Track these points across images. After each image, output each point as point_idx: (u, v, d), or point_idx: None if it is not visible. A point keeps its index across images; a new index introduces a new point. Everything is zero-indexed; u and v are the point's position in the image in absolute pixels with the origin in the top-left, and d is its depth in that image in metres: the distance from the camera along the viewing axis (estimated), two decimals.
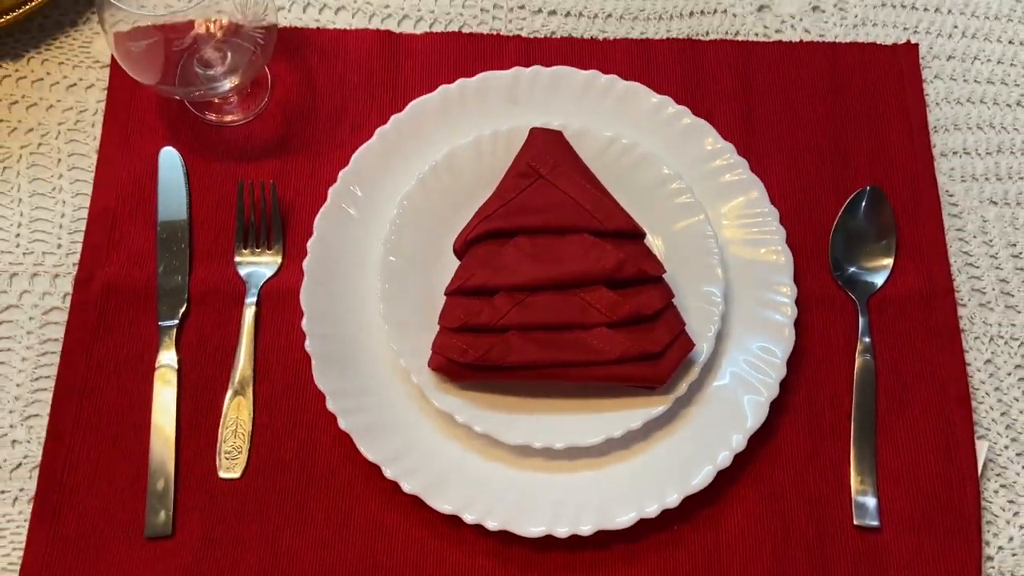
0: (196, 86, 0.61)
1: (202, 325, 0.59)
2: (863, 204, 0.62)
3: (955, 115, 0.66)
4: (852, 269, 0.61)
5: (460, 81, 0.64)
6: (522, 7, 0.69)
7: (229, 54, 0.60)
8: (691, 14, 0.69)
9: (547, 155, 0.59)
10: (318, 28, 0.67)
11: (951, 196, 0.64)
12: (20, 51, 0.66)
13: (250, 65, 0.60)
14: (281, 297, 0.60)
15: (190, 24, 0.57)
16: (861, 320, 0.60)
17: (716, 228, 0.60)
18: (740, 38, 0.68)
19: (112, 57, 0.65)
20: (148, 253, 0.60)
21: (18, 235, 0.61)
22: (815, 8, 0.69)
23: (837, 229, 0.62)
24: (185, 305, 0.59)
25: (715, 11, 0.69)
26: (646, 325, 0.55)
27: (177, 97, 0.63)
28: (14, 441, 0.56)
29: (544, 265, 0.55)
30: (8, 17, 0.63)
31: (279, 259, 0.61)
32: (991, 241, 0.63)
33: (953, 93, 0.67)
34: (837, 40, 0.68)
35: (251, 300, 0.59)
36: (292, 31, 0.66)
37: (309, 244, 0.59)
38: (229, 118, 0.64)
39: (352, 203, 0.61)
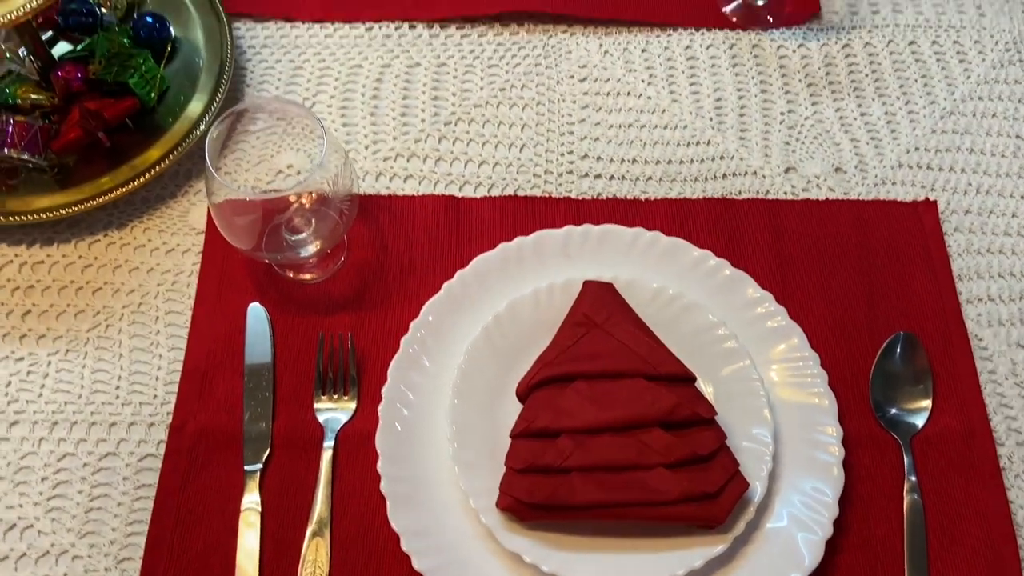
0: (282, 251, 0.68)
1: (284, 468, 0.63)
2: (898, 349, 0.67)
3: (977, 265, 0.71)
4: (893, 411, 0.65)
5: (518, 239, 0.70)
6: (570, 172, 0.77)
7: (314, 221, 0.67)
8: (724, 176, 0.76)
9: (601, 305, 0.65)
10: (390, 195, 0.75)
11: (980, 340, 0.69)
12: (125, 221, 0.74)
13: (333, 232, 0.67)
14: (357, 441, 0.64)
15: (286, 198, 0.65)
16: (906, 459, 0.63)
17: (761, 372, 0.64)
18: (770, 197, 0.75)
19: (207, 224, 0.73)
20: (235, 401, 0.65)
21: (118, 387, 0.66)
22: (837, 169, 0.76)
23: (876, 373, 0.66)
24: (268, 450, 0.64)
25: (746, 173, 0.76)
26: (702, 466, 0.58)
27: (266, 261, 0.70)
28: None
29: (603, 408, 0.60)
30: (116, 193, 0.71)
31: (355, 405, 0.66)
32: (1022, 383, 0.67)
33: (973, 244, 0.72)
34: (860, 198, 0.75)
35: (329, 444, 0.64)
36: (367, 198, 0.74)
37: (383, 390, 0.64)
38: (309, 276, 0.71)
39: (422, 351, 0.66)
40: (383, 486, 0.60)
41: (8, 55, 0.75)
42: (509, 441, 0.61)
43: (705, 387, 0.65)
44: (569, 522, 0.59)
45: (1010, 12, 0.84)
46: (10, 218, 0.70)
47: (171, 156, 0.73)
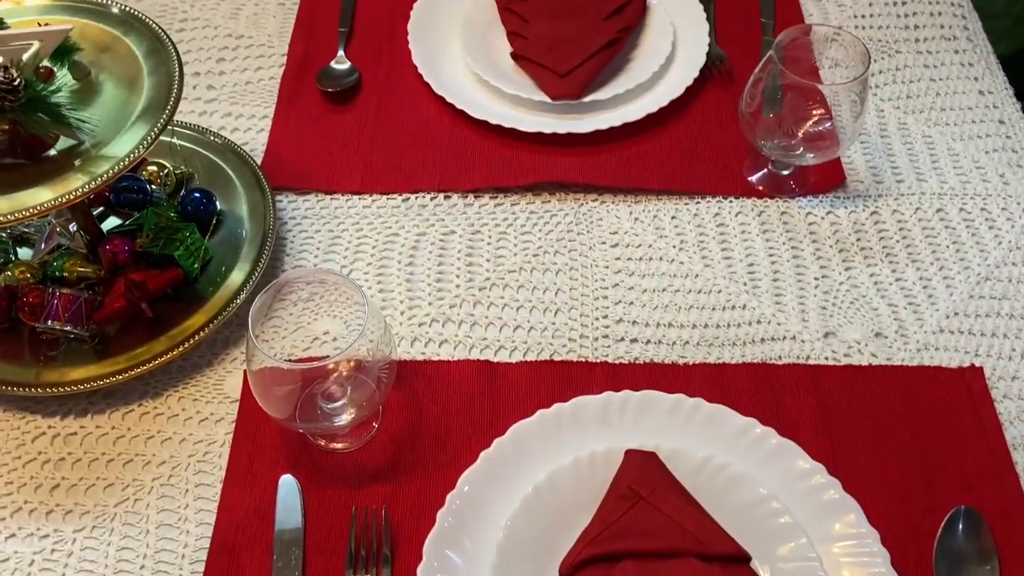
0: (317, 421, 0.67)
1: None
2: (960, 525, 0.63)
3: None
4: None
5: (556, 406, 0.69)
6: (606, 336, 0.76)
7: (351, 389, 0.67)
8: (762, 340, 0.75)
9: (645, 477, 0.62)
10: (425, 360, 0.75)
11: None
12: (160, 390, 0.73)
13: (370, 400, 0.66)
14: None
15: (324, 366, 0.65)
16: None
17: (819, 550, 0.61)
18: (811, 362, 0.74)
19: (242, 393, 0.72)
20: None
21: (143, 567, 0.64)
22: (878, 335, 0.76)
23: (939, 552, 0.62)
24: None
25: (784, 338, 0.76)
26: None
27: (299, 430, 0.69)
28: None
29: None
30: (154, 363, 0.72)
31: None
32: None
33: None
34: (904, 363, 0.73)
35: None
36: (402, 364, 0.74)
37: (419, 570, 0.61)
38: (343, 445, 0.69)
39: (459, 526, 0.63)
40: None
41: (59, 229, 0.78)
42: None
43: (760, 568, 0.61)
44: None
45: None
46: (46, 390, 0.70)
47: (210, 326, 0.74)
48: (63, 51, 0.65)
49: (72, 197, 0.63)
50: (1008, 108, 0.92)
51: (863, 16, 1.01)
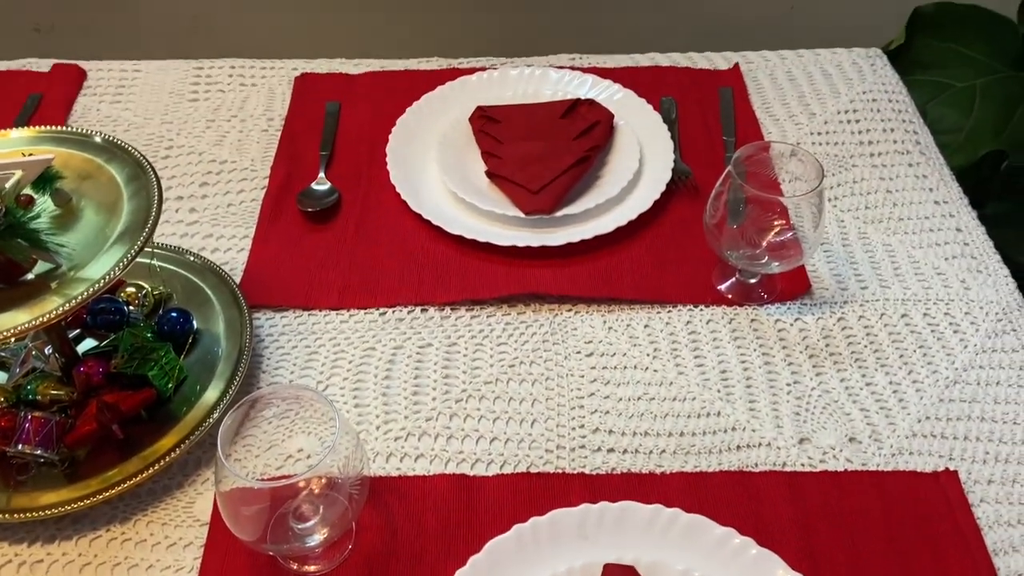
0: (288, 542, 0.65)
1: None
2: None
3: (1011, 537, 0.68)
4: None
5: (532, 519, 0.68)
6: (583, 447, 0.76)
7: (323, 508, 0.66)
8: (738, 447, 0.75)
9: None
10: (400, 476, 0.74)
11: None
12: (129, 514, 0.72)
13: (342, 518, 0.65)
14: None
15: (295, 485, 0.64)
16: None
17: None
18: (788, 468, 0.74)
19: (212, 515, 0.71)
20: None
21: None
22: (852, 440, 0.76)
23: None
24: None
25: (760, 444, 0.76)
26: None
27: (270, 553, 0.67)
28: None
29: None
30: (124, 486, 0.71)
31: None
32: None
33: (1003, 516, 0.70)
34: (879, 468, 0.73)
35: None
36: (377, 480, 0.73)
37: None
38: (315, 567, 0.68)
39: None
40: None
41: (35, 353, 0.78)
42: None
43: None
44: None
45: (994, 284, 0.88)
46: (15, 515, 0.69)
47: (181, 446, 0.73)
48: (46, 179, 0.67)
49: (48, 319, 0.63)
50: (964, 216, 0.95)
51: (819, 133, 1.06)
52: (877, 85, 1.12)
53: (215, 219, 0.97)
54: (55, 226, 0.67)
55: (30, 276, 0.66)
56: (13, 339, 0.63)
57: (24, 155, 0.66)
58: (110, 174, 0.72)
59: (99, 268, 0.66)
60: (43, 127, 0.75)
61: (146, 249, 0.77)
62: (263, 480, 0.70)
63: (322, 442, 0.74)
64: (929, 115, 1.31)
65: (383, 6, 1.69)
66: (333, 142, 1.06)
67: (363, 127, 1.07)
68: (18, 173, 0.63)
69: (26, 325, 0.63)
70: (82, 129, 0.74)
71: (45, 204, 0.67)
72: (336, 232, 0.95)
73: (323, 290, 0.89)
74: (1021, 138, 1.30)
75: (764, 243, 0.84)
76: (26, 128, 0.73)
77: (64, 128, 0.74)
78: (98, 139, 0.73)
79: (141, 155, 0.73)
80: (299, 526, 0.66)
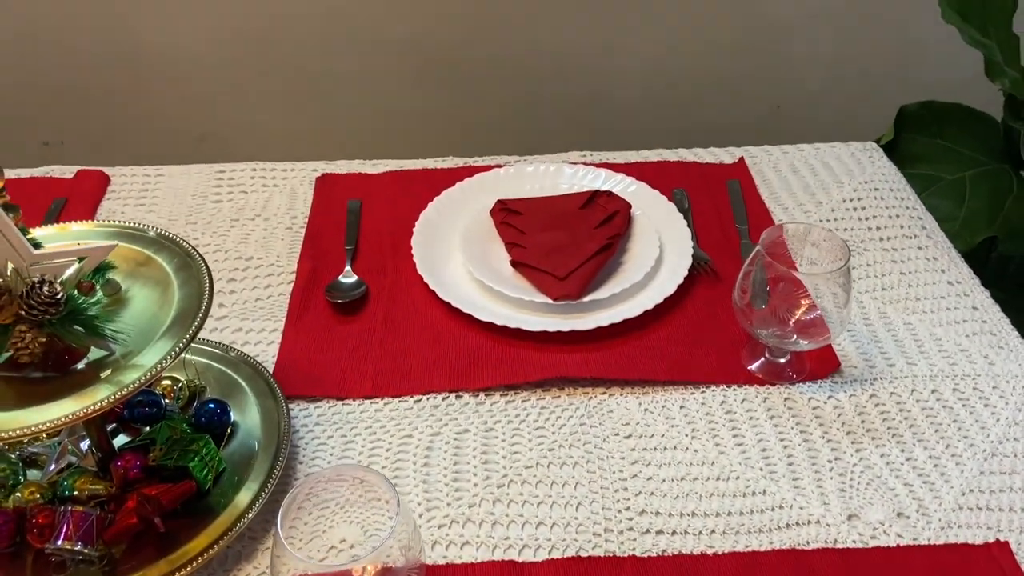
0: None
1: None
2: None
3: None
4: None
5: None
6: (631, 529, 0.75)
7: None
8: (788, 525, 0.75)
9: None
10: (447, 564, 0.72)
11: None
12: None
13: None
14: None
15: (349, 572, 0.62)
16: None
17: None
18: (839, 545, 0.73)
19: None
20: None
21: None
22: (900, 515, 0.76)
23: None
24: None
25: (808, 522, 0.75)
26: None
27: None
28: None
29: None
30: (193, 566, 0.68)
31: None
32: None
33: None
34: (930, 542, 0.73)
35: None
36: (428, 568, 0.71)
37: None
38: None
39: None
40: None
41: (70, 448, 0.77)
42: None
43: None
44: None
45: (1017, 359, 0.90)
46: None
47: (222, 540, 0.71)
48: (99, 269, 0.68)
49: (100, 406, 0.63)
50: (978, 295, 0.98)
51: (828, 220, 1.10)
52: (877, 175, 1.18)
53: (243, 313, 0.98)
54: (108, 314, 0.67)
55: (80, 365, 0.66)
56: (55, 431, 0.62)
57: (79, 245, 0.67)
58: (160, 264, 0.73)
59: (151, 356, 0.66)
60: (96, 221, 0.76)
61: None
62: (322, 563, 0.68)
63: (365, 531, 0.73)
64: (924, 205, 1.36)
65: (395, 112, 1.76)
66: (357, 237, 1.08)
67: (385, 222, 1.10)
68: (78, 261, 0.63)
69: (78, 413, 0.62)
70: (133, 223, 0.75)
71: (97, 293, 0.68)
72: (365, 323, 0.96)
73: (356, 379, 0.89)
74: (1014, 224, 1.35)
75: (792, 322, 0.86)
76: (82, 222, 0.74)
77: (116, 222, 0.75)
78: (151, 233, 0.75)
79: (191, 246, 0.74)
80: None
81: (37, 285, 0.61)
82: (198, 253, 0.74)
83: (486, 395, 0.87)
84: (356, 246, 1.06)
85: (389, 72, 1.66)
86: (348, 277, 1.01)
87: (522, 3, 1.61)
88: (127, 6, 1.60)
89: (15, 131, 1.81)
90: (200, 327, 0.68)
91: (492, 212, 1.07)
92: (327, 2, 1.58)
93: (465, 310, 0.94)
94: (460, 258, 1.01)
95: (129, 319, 0.68)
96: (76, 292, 0.64)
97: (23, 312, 0.61)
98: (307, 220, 1.11)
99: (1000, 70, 1.19)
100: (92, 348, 0.65)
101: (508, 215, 1.05)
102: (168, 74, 1.72)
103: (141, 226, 0.75)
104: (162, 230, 0.76)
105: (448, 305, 0.95)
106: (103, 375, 0.65)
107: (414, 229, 1.05)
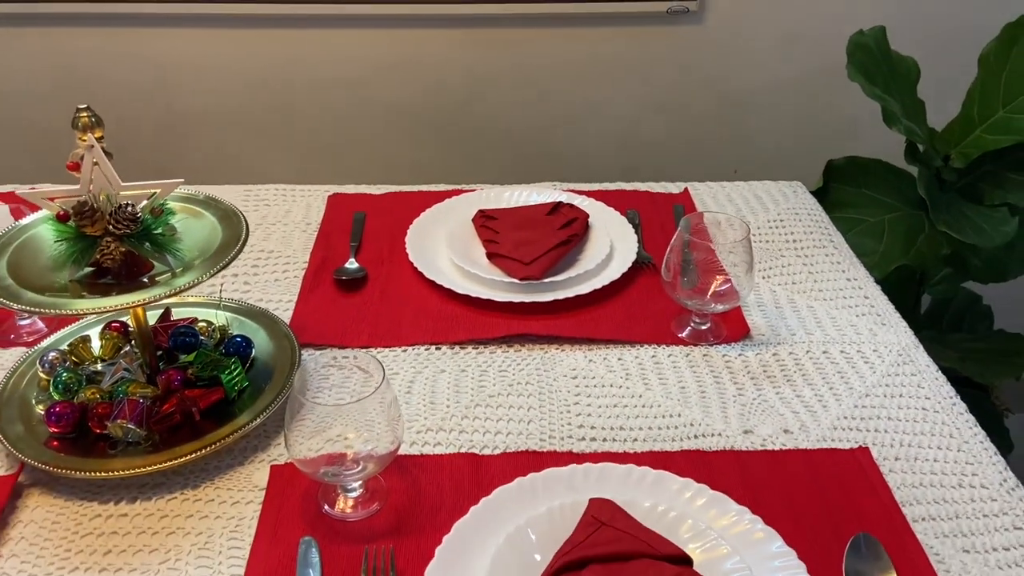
0: (339, 471, 0.81)
1: None
2: (862, 545, 0.78)
3: (914, 495, 0.86)
4: None
5: (531, 475, 0.84)
6: (571, 436, 0.93)
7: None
8: (695, 436, 0.93)
9: (606, 510, 0.77)
10: (421, 455, 0.90)
11: (931, 548, 0.80)
12: (198, 483, 0.87)
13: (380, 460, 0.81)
14: None
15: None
16: None
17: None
18: (735, 448, 0.92)
19: (268, 482, 0.86)
20: None
21: None
22: (786, 431, 0.94)
23: (848, 561, 0.76)
24: None
25: (712, 435, 0.94)
26: None
27: (325, 480, 0.82)
28: None
29: None
30: (195, 455, 0.87)
31: None
32: None
33: (907, 480, 0.88)
34: (808, 448, 0.91)
35: None
36: (402, 457, 0.89)
37: None
38: (353, 515, 0.83)
39: (454, 559, 0.76)
40: None
41: (124, 366, 0.96)
42: None
43: None
44: None
45: (895, 332, 1.10)
46: (103, 473, 0.84)
47: (241, 429, 0.90)
48: (162, 213, 0.89)
49: (159, 297, 0.82)
50: (870, 288, 1.19)
51: (754, 234, 1.32)
52: (799, 204, 1.41)
53: (264, 289, 1.18)
54: (170, 240, 0.88)
55: (144, 279, 0.87)
56: (123, 311, 0.81)
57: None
58: (207, 216, 0.94)
59: (199, 271, 0.86)
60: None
61: (214, 299, 0.98)
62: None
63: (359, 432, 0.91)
64: (848, 242, 1.58)
65: (395, 163, 2.00)
66: (361, 237, 1.29)
67: (384, 229, 1.32)
68: (153, 192, 0.85)
69: (143, 299, 0.82)
70: (188, 191, 0.97)
71: (165, 218, 0.89)
72: (365, 297, 1.17)
73: (355, 334, 1.09)
74: (923, 257, 1.57)
75: (709, 293, 1.06)
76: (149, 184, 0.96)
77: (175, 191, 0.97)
78: (201, 196, 0.97)
79: (232, 206, 0.96)
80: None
81: (122, 207, 0.83)
82: (236, 209, 0.95)
83: (460, 347, 1.07)
84: (360, 243, 1.28)
85: (390, 129, 1.92)
86: (352, 264, 1.23)
87: (508, 73, 1.87)
88: (169, 75, 1.86)
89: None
90: (238, 253, 0.88)
91: (474, 219, 1.29)
92: (339, 72, 1.85)
93: (447, 286, 1.15)
94: (445, 252, 1.23)
95: (183, 248, 0.89)
96: (149, 215, 0.85)
97: (110, 227, 0.82)
98: (319, 226, 1.33)
99: (896, 119, 1.43)
100: (156, 265, 0.86)
101: (487, 220, 1.28)
102: (203, 129, 1.97)
103: (194, 193, 0.97)
104: (209, 195, 0.98)
105: (432, 283, 1.16)
106: (160, 279, 0.85)
107: (408, 229, 1.27)
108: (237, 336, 1.01)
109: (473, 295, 1.13)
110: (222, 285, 1.17)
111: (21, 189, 0.90)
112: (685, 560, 0.73)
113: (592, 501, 0.79)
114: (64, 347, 0.97)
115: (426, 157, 1.96)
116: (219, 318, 1.06)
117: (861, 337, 1.10)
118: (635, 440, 0.93)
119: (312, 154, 1.96)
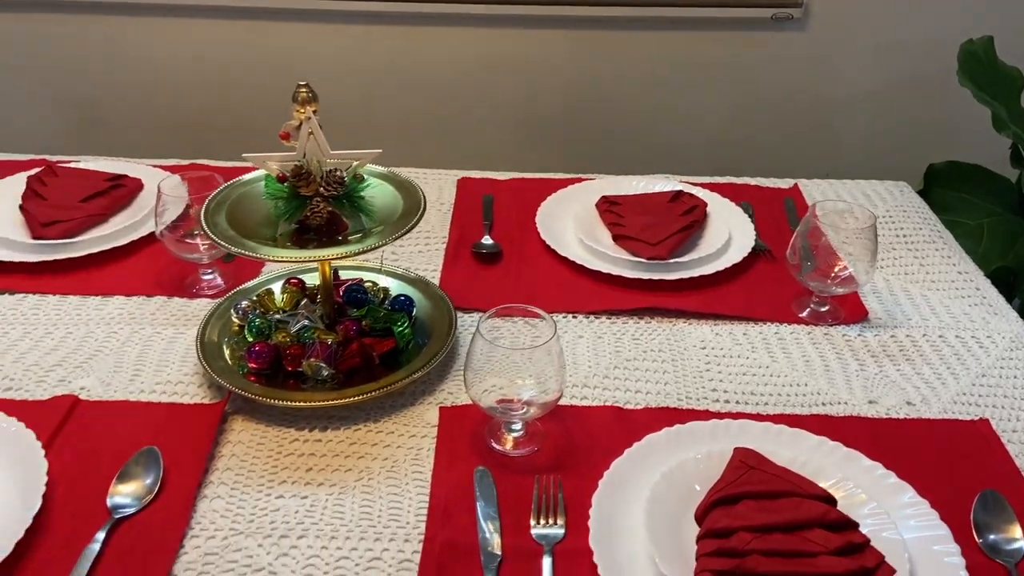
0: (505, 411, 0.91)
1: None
2: (989, 500, 0.86)
3: None
4: (992, 537, 0.81)
5: (676, 425, 0.93)
6: (705, 398, 1.02)
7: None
8: (823, 404, 1.01)
9: (752, 457, 0.86)
10: (570, 405, 1.00)
11: None
12: (379, 418, 0.98)
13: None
14: (568, 555, 0.80)
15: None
16: None
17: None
18: (861, 416, 1.00)
19: (439, 420, 0.97)
20: (471, 527, 0.83)
21: (379, 516, 0.85)
22: (908, 403, 1.02)
23: (976, 511, 0.84)
24: (498, 560, 0.80)
25: (838, 403, 1.02)
26: (858, 554, 0.75)
27: (495, 415, 0.92)
28: None
29: (770, 514, 0.78)
30: (376, 393, 0.98)
31: (563, 530, 0.83)
32: None
33: None
34: (931, 418, 0.99)
35: (547, 561, 0.80)
36: (559, 408, 0.99)
37: (593, 498, 0.83)
38: (515, 452, 0.93)
39: (617, 489, 0.85)
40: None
41: (306, 315, 1.08)
42: (695, 547, 0.78)
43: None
44: None
45: (1007, 321, 1.17)
46: (298, 402, 0.96)
47: (417, 373, 1.01)
48: (358, 181, 1.01)
49: (353, 252, 0.94)
50: (980, 280, 1.26)
51: None
52: (906, 202, 1.47)
53: (410, 259, 1.29)
54: (366, 204, 0.99)
55: (338, 237, 0.98)
56: (327, 260, 0.93)
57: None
58: (389, 188, 1.05)
59: (386, 234, 0.97)
60: None
61: (376, 265, 1.09)
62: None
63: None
64: None
65: (520, 143, 2.12)
66: (492, 216, 1.40)
67: (512, 210, 1.42)
68: (355, 162, 0.97)
69: (342, 252, 0.93)
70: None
71: (365, 184, 1.00)
72: (502, 269, 1.27)
73: (498, 300, 1.19)
74: (1021, 260, 1.62)
75: (830, 278, 1.14)
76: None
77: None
78: (382, 170, 1.08)
79: (408, 178, 1.07)
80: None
81: (332, 172, 0.94)
82: (413, 181, 1.06)
83: (595, 317, 1.17)
84: (492, 222, 1.39)
85: (510, 124, 2.04)
86: (487, 240, 1.33)
87: (623, 73, 1.98)
88: (309, 68, 2.01)
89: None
90: (418, 221, 0.99)
91: (597, 205, 1.39)
92: (463, 69, 1.98)
93: (579, 262, 1.24)
94: (573, 232, 1.33)
95: (375, 211, 1.00)
96: (353, 180, 0.97)
97: (321, 188, 0.94)
98: (452, 206, 1.44)
99: (1004, 124, 1.49)
100: (351, 225, 0.97)
101: (610, 205, 1.37)
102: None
103: (391, 171, 1.09)
104: (392, 172, 1.09)
105: (564, 259, 1.26)
106: (354, 238, 0.97)
107: (537, 211, 1.37)
108: (401, 295, 1.12)
109: (604, 271, 1.22)
110: (383, 253, 1.28)
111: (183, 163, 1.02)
112: (830, 500, 0.81)
113: (737, 449, 0.88)
114: (254, 297, 1.10)
115: (543, 150, 2.07)
116: (381, 281, 1.17)
117: (975, 324, 1.16)
118: (766, 404, 1.02)
119: (443, 146, 2.09)
